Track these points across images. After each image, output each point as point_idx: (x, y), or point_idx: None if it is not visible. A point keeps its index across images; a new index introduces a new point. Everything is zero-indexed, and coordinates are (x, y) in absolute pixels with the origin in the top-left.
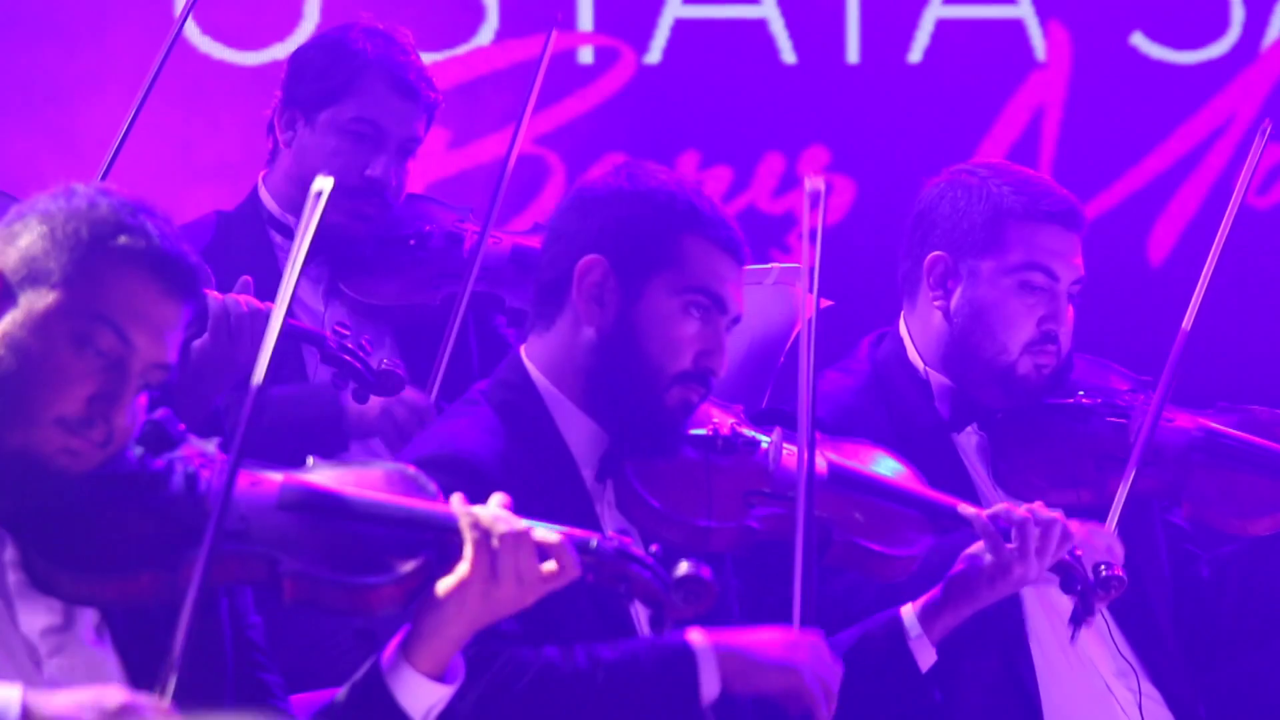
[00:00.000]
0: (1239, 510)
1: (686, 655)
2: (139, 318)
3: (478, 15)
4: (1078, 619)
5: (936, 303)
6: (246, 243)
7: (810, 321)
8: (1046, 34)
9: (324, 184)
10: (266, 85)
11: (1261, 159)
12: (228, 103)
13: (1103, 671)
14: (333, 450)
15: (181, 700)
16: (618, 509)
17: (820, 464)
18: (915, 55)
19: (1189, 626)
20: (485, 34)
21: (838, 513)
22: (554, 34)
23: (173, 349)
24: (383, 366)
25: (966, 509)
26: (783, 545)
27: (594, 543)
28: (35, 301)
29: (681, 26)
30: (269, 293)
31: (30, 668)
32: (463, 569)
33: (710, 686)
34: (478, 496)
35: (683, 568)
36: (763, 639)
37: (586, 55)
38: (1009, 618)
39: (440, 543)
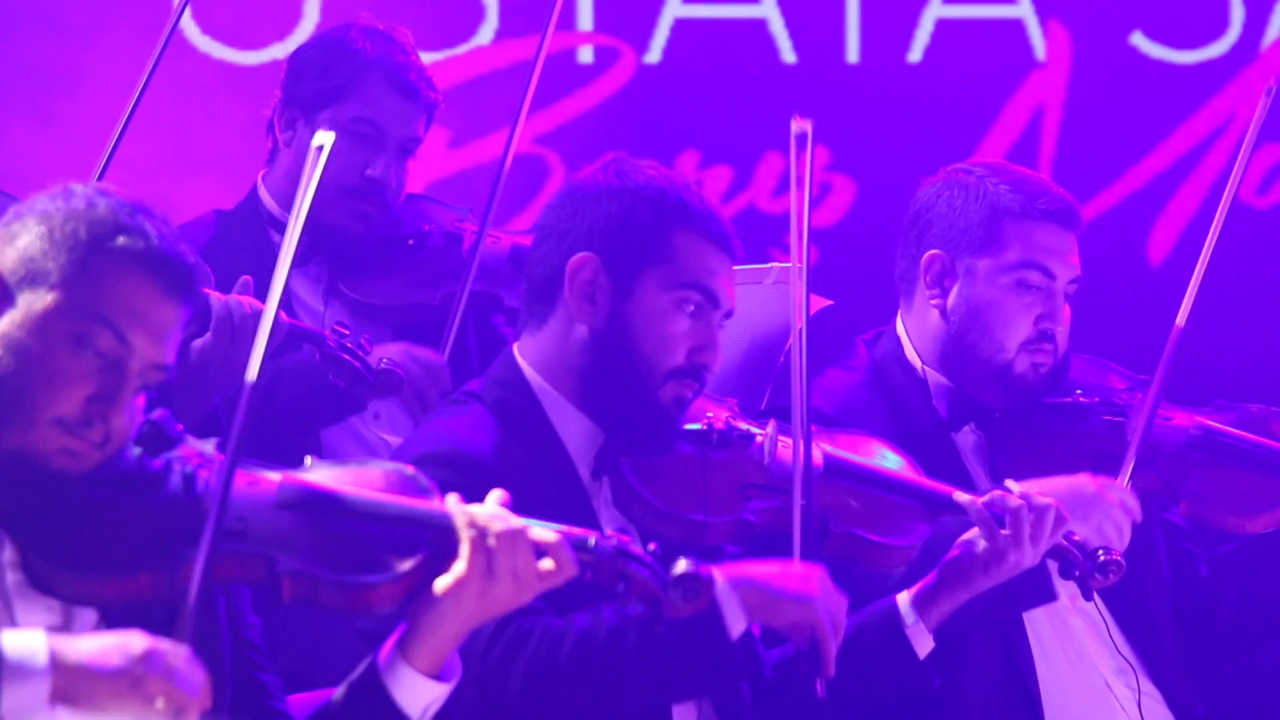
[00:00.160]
0: (1236, 508)
1: None
2: (137, 318)
3: (477, 15)
4: (1085, 595)
5: (933, 301)
6: (246, 242)
7: (801, 271)
8: (1046, 34)
9: (324, 139)
10: (266, 85)
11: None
12: (228, 102)
13: (1102, 669)
14: (351, 410)
15: None
16: (614, 505)
17: (816, 455)
18: (915, 55)
19: (1187, 625)
20: (485, 33)
21: (834, 504)
22: (550, 33)
23: (171, 349)
24: (382, 367)
25: (961, 496)
26: (780, 538)
27: (592, 541)
28: (34, 302)
29: (681, 26)
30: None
31: None
32: (459, 568)
33: (736, 621)
34: (479, 491)
35: (681, 566)
36: (775, 571)
37: (586, 55)
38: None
39: (438, 542)
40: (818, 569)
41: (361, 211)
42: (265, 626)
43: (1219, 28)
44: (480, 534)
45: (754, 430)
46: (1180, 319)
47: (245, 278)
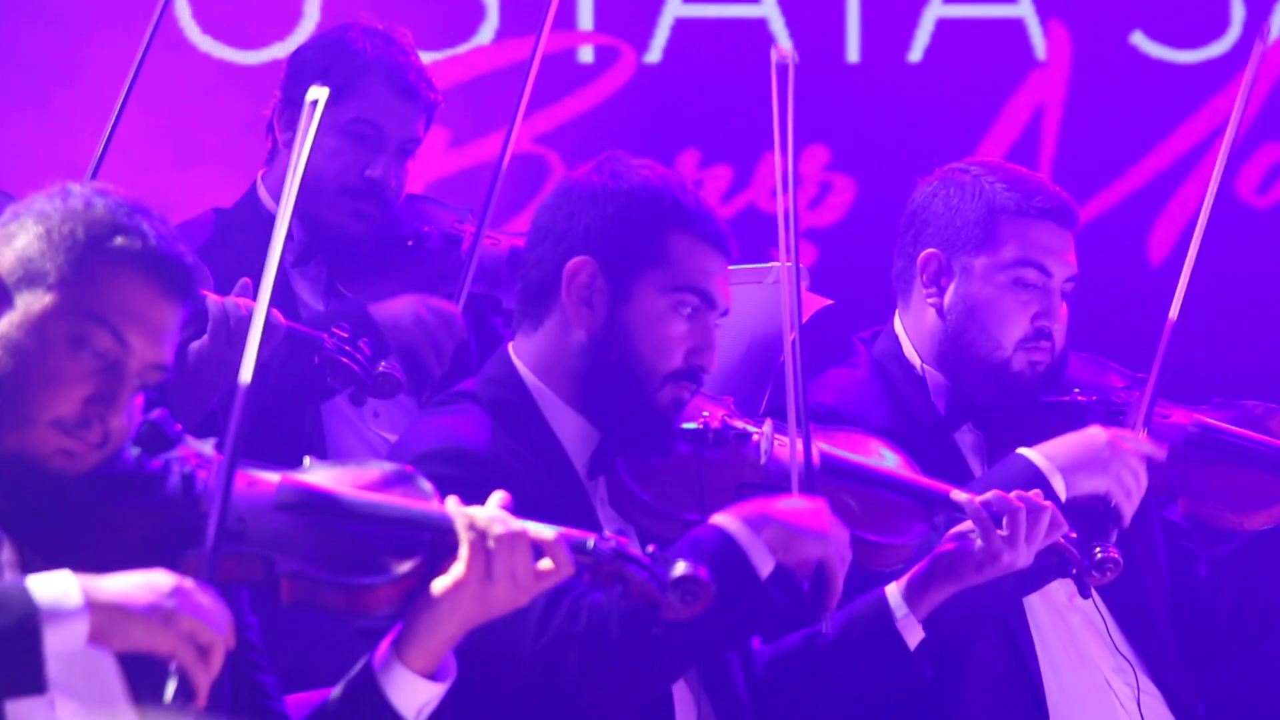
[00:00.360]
0: (1235, 505)
1: (728, 540)
2: (135, 319)
3: (478, 14)
4: (1083, 593)
5: (930, 300)
6: (245, 240)
7: (789, 216)
8: (1046, 33)
9: (319, 93)
10: (267, 84)
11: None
12: (228, 101)
13: (1101, 667)
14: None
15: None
16: (610, 505)
17: (813, 454)
18: (915, 54)
19: (1186, 624)
20: (485, 33)
21: (832, 503)
22: (547, 33)
23: (169, 350)
24: (380, 369)
25: (959, 495)
26: None
27: (591, 543)
28: (32, 303)
29: (681, 26)
30: None
31: None
32: (458, 569)
33: (764, 562)
34: (482, 486)
35: (680, 568)
36: (788, 508)
37: (586, 54)
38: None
39: (436, 543)
40: (822, 502)
41: (361, 212)
42: (264, 626)
43: (1219, 27)
44: (479, 536)
45: (750, 429)
46: (1173, 311)
47: (244, 280)
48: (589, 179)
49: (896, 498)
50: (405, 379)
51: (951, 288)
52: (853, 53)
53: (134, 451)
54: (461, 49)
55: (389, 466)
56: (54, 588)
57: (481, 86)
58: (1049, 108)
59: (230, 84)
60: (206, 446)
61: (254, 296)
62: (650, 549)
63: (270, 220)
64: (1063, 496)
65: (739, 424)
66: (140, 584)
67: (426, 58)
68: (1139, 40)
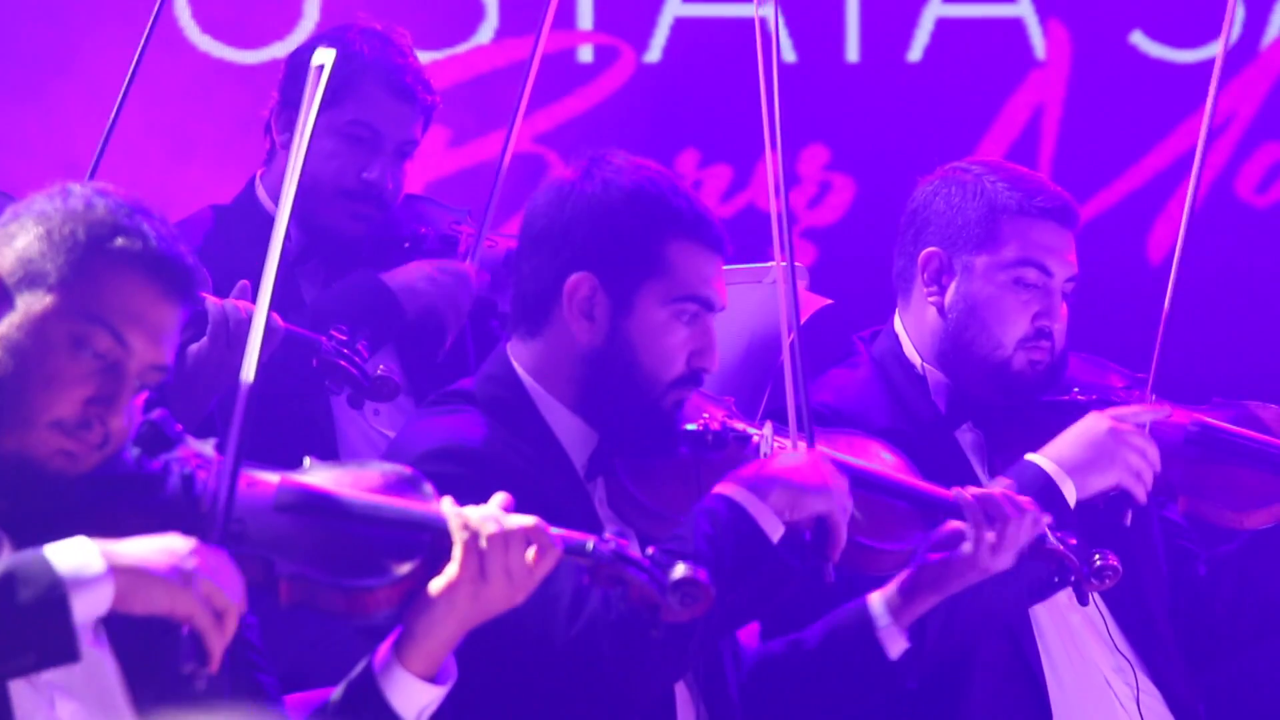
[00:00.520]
0: (1235, 504)
1: (736, 509)
2: (136, 320)
3: (477, 14)
4: (1080, 600)
5: (931, 299)
6: (243, 239)
7: (777, 185)
8: (1046, 33)
9: (325, 57)
10: (265, 83)
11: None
12: (228, 101)
13: (1101, 667)
14: (391, 326)
15: (179, 702)
16: (609, 506)
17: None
18: (915, 54)
19: (1186, 623)
20: (485, 32)
21: None
22: (546, 33)
23: (169, 350)
24: (378, 372)
25: (960, 497)
26: None
27: (590, 545)
28: (32, 304)
29: (681, 25)
30: None
31: None
32: (451, 570)
33: (772, 526)
34: (483, 484)
35: (679, 570)
36: (788, 465)
37: (586, 54)
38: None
39: (434, 545)
40: (818, 454)
41: (358, 213)
42: (264, 626)
43: (1219, 27)
44: (473, 536)
45: (750, 430)
46: (1166, 304)
47: (243, 282)
48: (580, 186)
49: (897, 503)
50: (402, 382)
51: (952, 286)
52: (852, 52)
53: (134, 452)
54: (461, 49)
55: (390, 468)
56: (75, 556)
57: (481, 86)
58: (1048, 107)
59: (229, 83)
60: (207, 447)
61: (253, 298)
62: (650, 551)
63: (268, 220)
64: (1071, 503)
65: (739, 426)
66: (159, 547)
67: (426, 57)
68: (1138, 40)
